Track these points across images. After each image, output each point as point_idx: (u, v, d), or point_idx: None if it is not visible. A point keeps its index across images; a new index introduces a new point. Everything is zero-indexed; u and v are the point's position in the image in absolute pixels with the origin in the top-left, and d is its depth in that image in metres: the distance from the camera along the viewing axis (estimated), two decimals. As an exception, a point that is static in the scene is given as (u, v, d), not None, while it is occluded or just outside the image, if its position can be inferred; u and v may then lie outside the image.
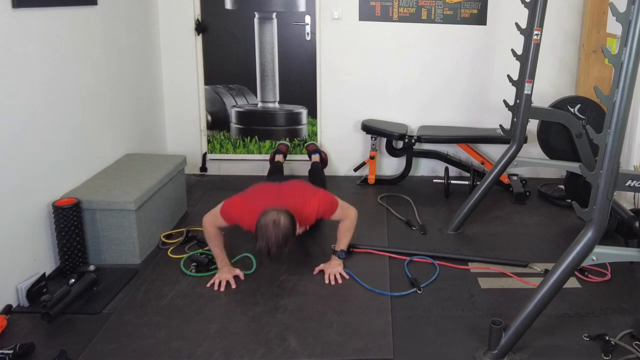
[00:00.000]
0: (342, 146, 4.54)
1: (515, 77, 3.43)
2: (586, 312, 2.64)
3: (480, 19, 4.32)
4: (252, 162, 4.57)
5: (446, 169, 4.16)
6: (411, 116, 4.50)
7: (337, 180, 4.44)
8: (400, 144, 4.35)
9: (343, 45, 4.36)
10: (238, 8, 4.34)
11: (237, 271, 2.84)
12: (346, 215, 2.98)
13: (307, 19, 4.34)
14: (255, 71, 4.46)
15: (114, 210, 2.92)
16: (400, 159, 4.47)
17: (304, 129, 4.56)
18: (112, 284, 2.79)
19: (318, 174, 3.97)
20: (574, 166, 3.37)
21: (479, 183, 3.54)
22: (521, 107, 3.37)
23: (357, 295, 2.73)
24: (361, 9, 4.30)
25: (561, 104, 3.69)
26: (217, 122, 4.55)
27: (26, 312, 2.51)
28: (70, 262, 2.82)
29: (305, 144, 4.38)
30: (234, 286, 2.77)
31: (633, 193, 3.63)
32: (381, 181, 4.37)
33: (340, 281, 2.84)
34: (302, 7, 4.33)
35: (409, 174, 4.38)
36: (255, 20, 4.36)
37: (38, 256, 2.73)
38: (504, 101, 3.48)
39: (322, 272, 2.90)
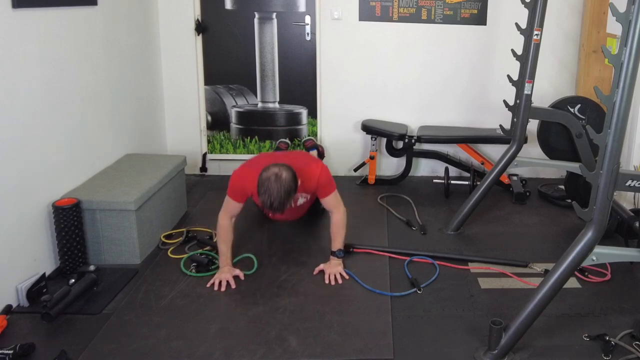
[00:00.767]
0: (342, 146, 4.54)
1: (515, 77, 3.43)
2: (586, 312, 2.64)
3: (480, 19, 4.32)
4: (252, 162, 4.57)
5: (446, 169, 4.16)
6: (411, 116, 4.50)
7: (337, 180, 4.36)
8: (400, 144, 4.35)
9: (343, 45, 4.36)
10: (238, 8, 4.34)
11: (237, 271, 2.84)
12: (337, 207, 2.99)
13: (307, 19, 4.34)
14: (255, 71, 4.46)
15: (114, 210, 2.92)
16: (400, 159, 4.47)
17: (304, 129, 4.56)
18: (112, 284, 2.79)
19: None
20: (574, 166, 3.37)
21: (479, 183, 3.54)
22: (521, 107, 3.37)
23: (357, 295, 2.73)
24: (361, 9, 4.30)
25: (561, 104, 3.69)
26: (217, 122, 4.55)
27: (26, 312, 2.51)
28: (70, 262, 2.82)
29: (303, 140, 4.38)
30: (233, 286, 2.77)
31: (633, 193, 3.63)
32: (381, 181, 4.37)
33: (340, 281, 2.84)
34: (302, 7, 4.33)
35: (409, 174, 4.38)
36: (255, 20, 4.36)
37: (38, 256, 2.73)
38: (504, 101, 3.48)
39: (322, 272, 2.90)
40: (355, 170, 4.47)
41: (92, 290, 2.70)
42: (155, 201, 3.20)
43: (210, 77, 4.47)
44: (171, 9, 4.27)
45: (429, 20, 4.32)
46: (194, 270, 2.92)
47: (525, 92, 3.33)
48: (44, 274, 2.67)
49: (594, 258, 2.19)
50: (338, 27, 4.33)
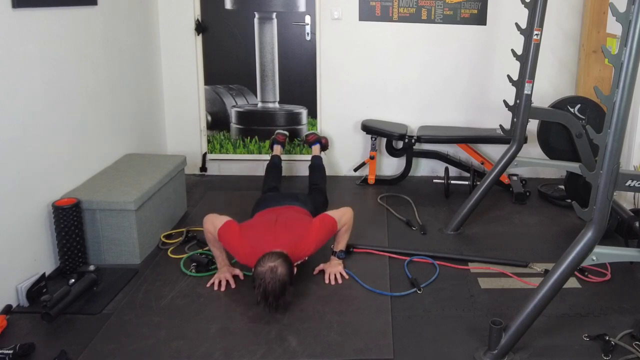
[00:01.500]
0: (342, 146, 4.54)
1: (515, 77, 3.43)
2: (586, 312, 2.64)
3: (480, 19, 4.32)
4: (252, 162, 4.57)
5: (446, 169, 4.16)
6: (411, 116, 4.50)
7: (337, 180, 4.44)
8: (400, 144, 4.35)
9: (343, 45, 4.36)
10: (238, 8, 4.34)
11: (237, 271, 2.84)
12: (344, 218, 2.96)
13: (307, 19, 4.34)
14: (255, 71, 4.46)
15: (114, 210, 2.92)
16: (400, 159, 4.47)
17: (304, 129, 4.56)
18: (112, 284, 2.79)
19: (318, 171, 3.93)
20: (574, 166, 3.37)
21: (479, 183, 3.54)
22: (521, 107, 3.37)
23: (357, 295, 2.73)
24: (361, 9, 4.30)
25: (561, 104, 3.69)
26: (217, 122, 4.55)
27: (26, 312, 2.51)
28: (70, 262, 2.82)
29: (305, 134, 4.35)
30: (233, 286, 2.77)
31: (633, 193, 3.63)
32: (381, 181, 4.37)
33: (340, 281, 2.84)
34: (302, 7, 4.33)
35: (409, 174, 4.38)
36: (255, 20, 4.36)
37: (38, 256, 2.73)
38: (504, 101, 3.48)
39: (322, 272, 2.90)
40: (355, 170, 4.47)
41: (92, 290, 2.70)
42: (155, 201, 3.20)
43: (210, 77, 4.47)
44: (171, 9, 4.27)
45: (429, 20, 4.32)
46: (193, 270, 2.92)
47: (525, 92, 3.33)
48: (44, 274, 2.67)
49: (594, 258, 2.19)
50: (338, 27, 4.33)
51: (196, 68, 4.40)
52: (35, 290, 2.57)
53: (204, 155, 4.56)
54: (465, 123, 4.50)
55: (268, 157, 4.25)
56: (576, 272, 2.84)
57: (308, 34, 4.36)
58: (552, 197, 4.06)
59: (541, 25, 3.27)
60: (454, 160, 4.39)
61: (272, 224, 2.83)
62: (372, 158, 4.34)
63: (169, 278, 2.86)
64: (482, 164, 4.35)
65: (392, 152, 4.37)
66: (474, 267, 3.04)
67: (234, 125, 4.56)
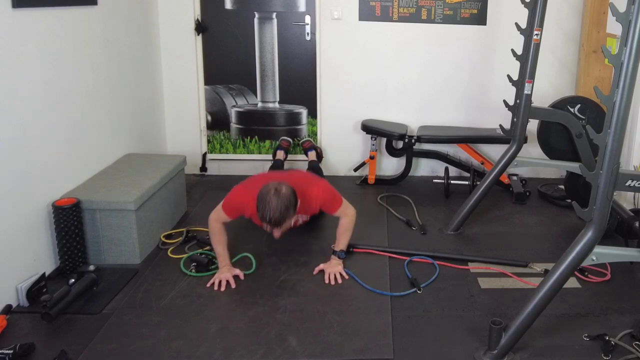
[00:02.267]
0: (342, 146, 4.54)
1: (515, 77, 3.43)
2: (586, 312, 2.64)
3: (480, 19, 4.32)
4: (252, 162, 4.57)
5: (446, 169, 4.16)
6: (411, 116, 4.50)
7: (337, 180, 4.43)
8: (400, 144, 4.35)
9: (343, 45, 4.36)
10: (238, 8, 4.34)
11: (237, 271, 2.84)
12: (346, 213, 2.99)
13: (307, 19, 4.34)
14: (255, 71, 4.46)
15: (114, 210, 2.92)
16: (400, 159, 4.47)
17: (304, 129, 4.56)
18: (112, 284, 2.79)
19: (316, 173, 3.95)
20: (574, 166, 3.37)
21: (479, 183, 3.54)
22: (521, 107, 3.37)
23: (357, 295, 2.73)
24: (361, 9, 4.30)
25: (561, 104, 3.69)
26: (217, 122, 4.55)
27: (26, 312, 2.51)
28: (70, 262, 2.82)
29: (301, 141, 4.38)
30: (233, 286, 2.77)
31: (633, 193, 3.63)
32: (381, 181, 4.37)
33: (340, 281, 2.84)
34: (302, 7, 4.33)
35: (409, 174, 4.38)
36: (255, 20, 4.36)
37: (38, 256, 2.73)
38: (504, 101, 3.48)
39: (322, 272, 2.90)
40: (355, 170, 4.47)
41: (92, 290, 2.70)
42: (155, 201, 3.20)
43: (210, 77, 4.47)
44: (171, 9, 4.27)
45: (429, 20, 4.32)
46: (193, 270, 2.92)
47: (525, 92, 3.33)
48: (44, 273, 2.67)
49: (594, 258, 2.19)
50: (338, 27, 4.33)
51: (196, 68, 4.40)
52: (35, 290, 2.57)
53: (204, 155, 4.56)
54: (465, 123, 4.50)
55: (268, 157, 4.26)
56: (576, 272, 2.84)
57: (308, 34, 4.36)
58: (552, 197, 4.06)
59: (541, 25, 3.27)
60: (454, 160, 4.39)
61: (278, 175, 2.92)
62: (372, 158, 4.34)
63: (169, 278, 2.86)
64: (482, 164, 4.35)
65: (392, 152, 4.37)
66: (474, 267, 3.04)
67: (234, 125, 4.56)
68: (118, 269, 2.93)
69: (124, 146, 3.68)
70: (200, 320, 2.50)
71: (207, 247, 3.13)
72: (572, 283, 2.86)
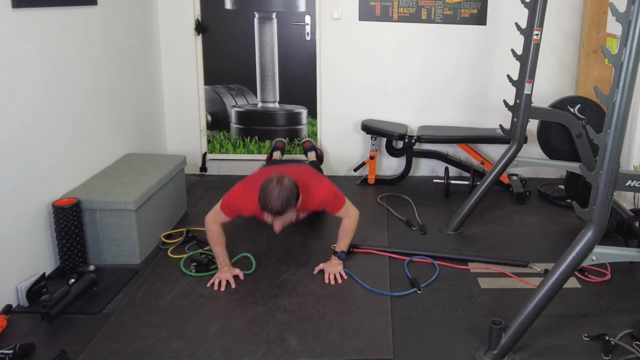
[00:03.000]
0: (342, 146, 4.54)
1: (515, 77, 3.43)
2: (586, 312, 2.64)
3: (480, 19, 4.32)
4: (252, 162, 4.57)
5: (446, 169, 4.16)
6: (411, 116, 4.50)
7: (337, 180, 4.43)
8: (400, 144, 4.35)
9: (343, 45, 4.36)
10: (238, 8, 4.34)
11: (237, 271, 2.84)
12: (348, 215, 2.98)
13: (307, 19, 4.34)
14: (255, 71, 4.46)
15: (114, 210, 2.92)
16: (400, 159, 4.47)
17: (304, 129, 4.56)
18: (112, 284, 2.79)
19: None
20: (574, 166, 3.37)
21: (479, 183, 3.54)
22: (521, 107, 3.37)
23: (357, 295, 2.73)
24: (361, 9, 4.30)
25: (561, 104, 3.69)
26: (217, 122, 4.55)
27: (26, 312, 2.51)
28: (70, 262, 2.82)
29: (301, 141, 4.37)
30: (233, 286, 2.77)
31: (633, 193, 3.63)
32: (381, 181, 4.37)
33: (340, 281, 2.84)
34: (302, 7, 4.33)
35: (409, 174, 4.38)
36: (255, 20, 4.36)
37: (38, 256, 2.73)
38: (504, 101, 3.48)
39: (322, 272, 2.90)
40: (355, 170, 4.47)
41: (92, 290, 2.70)
42: (155, 201, 3.20)
43: (210, 77, 4.47)
44: (171, 9, 4.27)
45: (429, 20, 4.32)
46: (193, 270, 2.92)
47: (525, 92, 3.33)
48: (44, 273, 2.67)
49: (594, 258, 2.19)
50: (338, 27, 4.33)
51: (196, 68, 4.40)
52: (35, 290, 2.57)
53: (204, 155, 4.56)
54: (465, 123, 4.50)
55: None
56: (576, 272, 2.84)
57: (308, 34, 4.36)
58: (552, 197, 4.06)
59: (541, 25, 3.27)
60: (454, 160, 4.39)
61: (279, 169, 2.87)
62: (372, 158, 4.34)
63: (169, 278, 2.86)
64: (482, 164, 4.35)
65: (392, 152, 4.37)
66: (474, 267, 3.04)
67: (234, 125, 4.56)
68: (118, 269, 2.93)
69: (124, 146, 3.68)
70: (200, 320, 2.50)
71: (207, 247, 3.13)
72: (572, 283, 2.86)
